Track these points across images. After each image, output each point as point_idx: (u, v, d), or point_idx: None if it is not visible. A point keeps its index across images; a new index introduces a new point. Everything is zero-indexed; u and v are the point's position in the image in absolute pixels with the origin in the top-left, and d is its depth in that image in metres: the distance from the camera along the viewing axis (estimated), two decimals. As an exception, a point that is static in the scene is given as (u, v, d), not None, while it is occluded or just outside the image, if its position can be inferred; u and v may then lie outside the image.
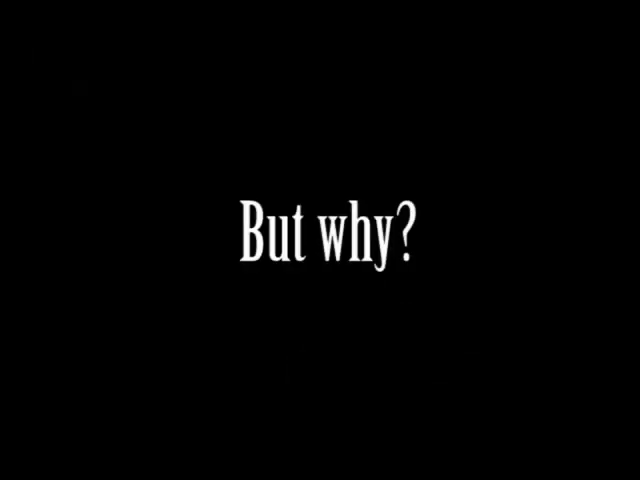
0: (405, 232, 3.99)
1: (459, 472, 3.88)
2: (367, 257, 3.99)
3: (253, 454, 3.90)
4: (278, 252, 3.99)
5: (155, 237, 3.98)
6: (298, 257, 3.99)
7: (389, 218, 3.99)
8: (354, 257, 3.99)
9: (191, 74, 4.04)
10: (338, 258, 3.99)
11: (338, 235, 3.99)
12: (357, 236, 3.99)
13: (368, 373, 3.94)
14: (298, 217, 3.99)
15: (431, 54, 4.03)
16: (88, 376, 3.92)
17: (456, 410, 3.91)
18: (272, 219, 4.00)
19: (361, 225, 3.99)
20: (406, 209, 4.00)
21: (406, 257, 3.99)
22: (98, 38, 4.02)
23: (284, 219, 3.99)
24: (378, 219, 3.99)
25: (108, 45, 4.02)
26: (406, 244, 3.99)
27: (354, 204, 4.00)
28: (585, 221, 3.98)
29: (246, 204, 4.00)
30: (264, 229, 3.99)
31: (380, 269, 3.98)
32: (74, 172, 3.98)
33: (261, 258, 3.98)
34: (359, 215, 4.00)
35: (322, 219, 4.00)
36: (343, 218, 4.00)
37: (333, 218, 4.00)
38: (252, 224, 3.99)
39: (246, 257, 3.98)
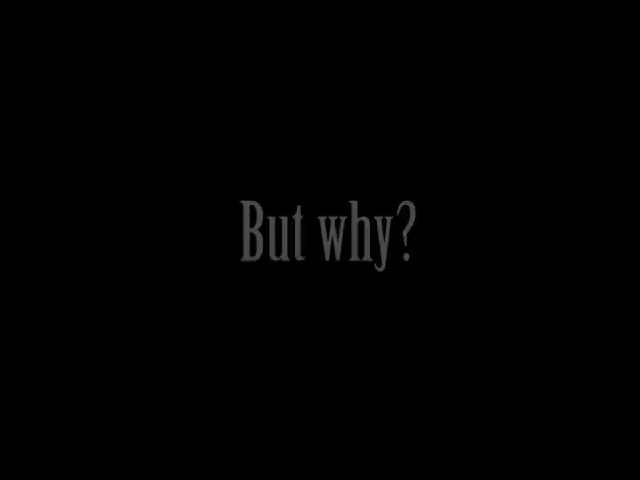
0: (405, 232, 3.99)
1: (459, 472, 3.88)
2: (367, 257, 3.99)
3: (253, 454, 3.90)
4: (278, 252, 3.99)
5: (155, 237, 3.98)
6: (298, 257, 3.99)
7: (389, 218, 3.99)
8: (354, 257, 3.99)
9: (191, 74, 4.04)
10: (338, 258, 3.99)
11: (338, 235, 3.99)
12: (357, 236, 3.99)
13: (368, 373, 3.94)
14: (298, 217, 3.99)
15: (431, 54, 4.04)
16: (88, 375, 3.92)
17: (456, 410, 3.91)
18: (272, 219, 4.00)
19: (361, 225, 3.99)
20: (406, 209, 4.00)
21: (406, 257, 3.99)
22: (98, 38, 4.02)
23: (284, 219, 4.00)
24: (378, 219, 3.99)
25: (108, 45, 4.02)
26: (406, 244, 3.99)
27: (354, 204, 4.00)
28: (585, 221, 3.99)
29: (246, 204, 4.00)
30: (264, 229, 3.99)
31: (380, 269, 3.98)
32: (74, 172, 3.98)
33: (261, 258, 3.99)
34: (359, 215, 4.00)
35: (322, 219, 4.00)
36: (343, 218, 4.00)
37: (333, 218, 4.00)
38: (252, 224, 3.99)
39: (246, 257, 3.98)
